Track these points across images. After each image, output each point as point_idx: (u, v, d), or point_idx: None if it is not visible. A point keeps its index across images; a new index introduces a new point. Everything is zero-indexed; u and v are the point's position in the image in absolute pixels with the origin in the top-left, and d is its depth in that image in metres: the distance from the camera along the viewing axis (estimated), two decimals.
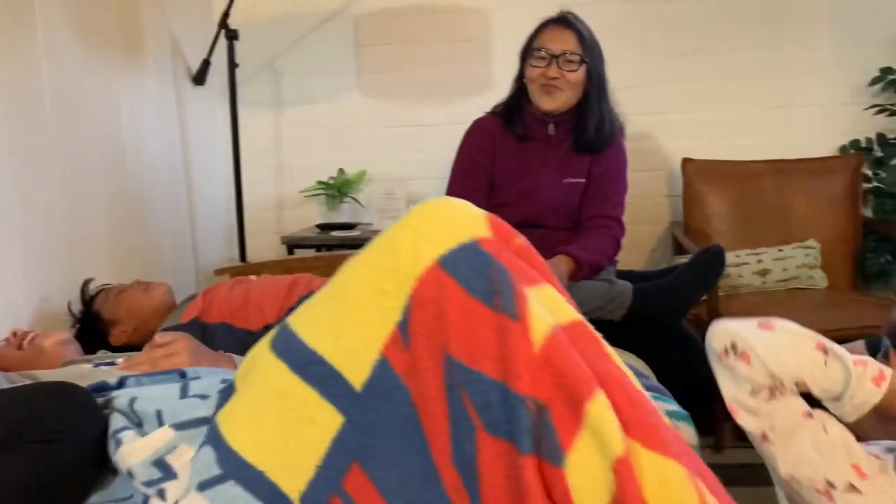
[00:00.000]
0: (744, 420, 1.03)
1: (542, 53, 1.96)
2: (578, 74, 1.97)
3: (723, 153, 2.82)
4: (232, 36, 2.61)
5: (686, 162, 2.81)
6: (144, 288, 1.87)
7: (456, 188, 2.09)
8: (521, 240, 0.82)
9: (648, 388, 1.34)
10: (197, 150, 2.83)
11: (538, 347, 0.73)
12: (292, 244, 2.87)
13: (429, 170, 2.82)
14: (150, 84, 2.50)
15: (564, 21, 2.01)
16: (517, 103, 2.06)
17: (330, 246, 2.81)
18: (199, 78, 2.76)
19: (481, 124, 2.13)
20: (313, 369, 0.80)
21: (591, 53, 1.98)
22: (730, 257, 2.60)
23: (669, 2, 2.87)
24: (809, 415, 1.02)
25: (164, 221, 2.54)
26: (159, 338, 1.35)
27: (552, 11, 2.08)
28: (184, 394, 1.00)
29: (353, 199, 2.99)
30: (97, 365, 1.40)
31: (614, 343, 1.87)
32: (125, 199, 2.31)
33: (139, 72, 2.43)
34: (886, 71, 2.71)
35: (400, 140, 3.02)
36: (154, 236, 2.48)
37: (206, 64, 2.73)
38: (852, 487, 0.98)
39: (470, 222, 0.78)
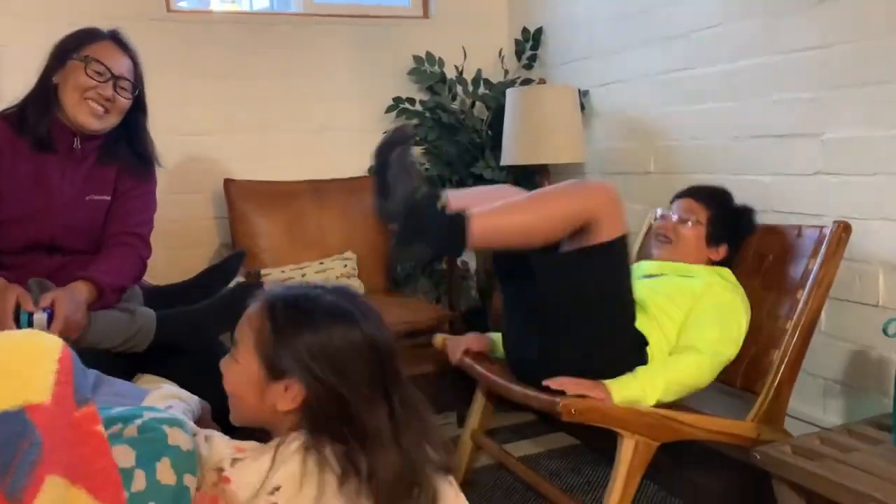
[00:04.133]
0: None
1: (102, 69, 1.77)
2: (129, 102, 1.84)
3: (265, 174, 2.92)
4: None
5: (228, 183, 2.82)
6: None
7: None
8: (84, 410, 0.75)
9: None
10: None
11: None
12: None
13: None
14: None
15: (121, 44, 1.84)
16: (42, 107, 1.79)
17: None
18: None
19: None
20: None
21: (140, 81, 1.87)
22: (275, 273, 2.69)
23: (203, 23, 2.87)
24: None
25: None
26: None
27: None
28: None
29: None
30: None
31: (145, 370, 1.79)
32: None
33: None
34: (397, 100, 3.10)
35: None
36: None
37: None
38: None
39: (33, 382, 0.71)
